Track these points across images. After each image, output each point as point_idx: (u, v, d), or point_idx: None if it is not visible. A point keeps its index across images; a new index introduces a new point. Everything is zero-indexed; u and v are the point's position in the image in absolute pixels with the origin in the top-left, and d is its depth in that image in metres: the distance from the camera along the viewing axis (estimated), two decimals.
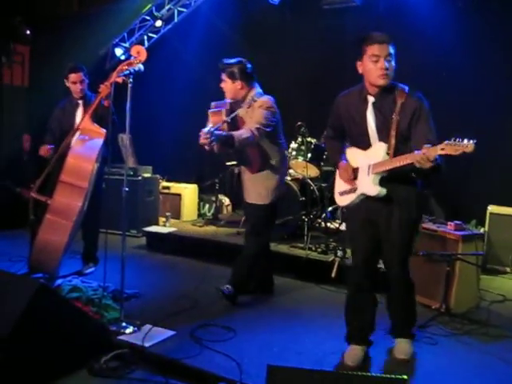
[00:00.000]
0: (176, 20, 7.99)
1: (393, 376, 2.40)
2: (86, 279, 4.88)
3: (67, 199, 4.44)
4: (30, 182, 4.73)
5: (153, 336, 3.75)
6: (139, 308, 4.31)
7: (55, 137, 5.11)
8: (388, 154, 3.20)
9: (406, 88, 3.27)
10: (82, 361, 3.37)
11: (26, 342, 3.06)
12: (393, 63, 3.21)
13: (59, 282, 4.65)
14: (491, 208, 5.86)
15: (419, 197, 3.41)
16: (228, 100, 4.59)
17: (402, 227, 3.33)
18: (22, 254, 4.99)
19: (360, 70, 3.30)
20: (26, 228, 4.77)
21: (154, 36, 8.20)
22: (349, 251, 5.37)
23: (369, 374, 2.93)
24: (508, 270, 5.73)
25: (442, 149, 2.82)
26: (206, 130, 3.98)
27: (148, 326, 3.90)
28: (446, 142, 2.81)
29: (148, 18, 7.97)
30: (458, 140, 2.79)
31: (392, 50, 3.19)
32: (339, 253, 5.24)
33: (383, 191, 3.25)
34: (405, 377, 2.37)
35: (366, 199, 3.36)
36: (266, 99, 4.44)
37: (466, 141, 2.78)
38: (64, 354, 3.27)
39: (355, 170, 3.41)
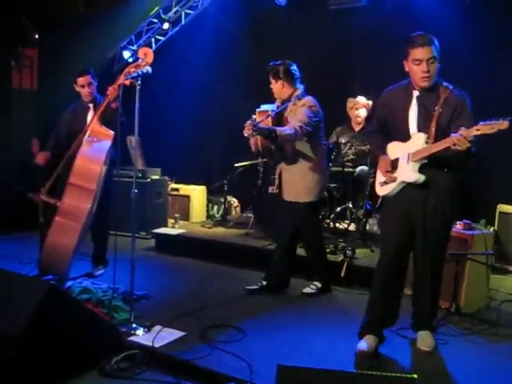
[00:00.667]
0: (183, 22, 8.01)
1: (403, 375, 2.40)
2: (96, 281, 4.90)
3: (76, 201, 4.46)
4: (39, 186, 4.76)
5: (163, 337, 3.77)
6: (149, 309, 4.33)
7: (59, 141, 5.15)
8: (427, 143, 3.32)
9: (451, 86, 3.41)
10: (92, 362, 3.39)
11: (37, 342, 3.08)
12: (436, 65, 3.36)
13: (69, 283, 4.67)
14: (501, 207, 5.83)
15: (454, 186, 3.50)
16: (276, 103, 4.82)
17: (437, 216, 3.44)
18: (32, 256, 5.01)
19: (406, 68, 3.48)
20: (35, 230, 4.81)
21: (162, 38, 8.22)
22: (358, 251, 5.42)
23: (379, 373, 2.92)
24: None
25: (478, 129, 2.95)
26: (249, 121, 4.10)
27: (158, 327, 3.92)
28: (481, 122, 2.96)
29: (155, 20, 7.99)
30: (492, 119, 2.93)
31: (434, 52, 3.33)
32: (348, 253, 5.24)
33: (422, 177, 3.37)
34: (415, 376, 2.37)
35: (406, 189, 3.48)
36: (309, 99, 4.67)
37: (500, 120, 2.92)
38: (75, 354, 3.29)
39: (395, 161, 3.53)
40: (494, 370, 3.48)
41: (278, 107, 4.74)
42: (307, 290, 4.93)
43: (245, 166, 7.03)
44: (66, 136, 5.14)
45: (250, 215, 6.76)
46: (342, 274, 5.05)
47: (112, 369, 3.34)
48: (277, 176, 4.89)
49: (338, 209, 6.42)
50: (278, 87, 4.69)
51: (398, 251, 3.57)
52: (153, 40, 8.19)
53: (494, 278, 5.12)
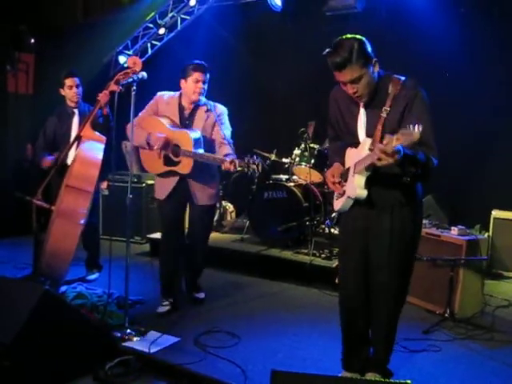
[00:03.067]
0: (179, 27, 8.02)
1: (397, 381, 2.40)
2: (90, 286, 4.90)
3: (74, 203, 4.48)
4: (34, 190, 4.76)
5: (157, 342, 3.76)
6: (144, 314, 4.33)
7: (48, 145, 5.14)
8: (371, 149, 2.78)
9: (402, 78, 2.91)
10: (86, 367, 3.37)
11: (31, 348, 3.07)
12: (365, 79, 2.81)
13: (64, 288, 4.67)
14: (495, 213, 5.85)
15: (415, 207, 3.01)
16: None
17: (393, 242, 2.94)
18: (27, 261, 5.00)
19: None
20: (30, 235, 4.79)
21: (158, 43, 8.23)
22: None
23: (373, 379, 2.93)
24: None
25: (398, 139, 2.43)
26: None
27: (152, 333, 3.92)
28: (401, 130, 2.44)
29: (151, 25, 8.00)
30: (409, 127, 2.38)
31: (353, 74, 2.79)
32: None
33: (363, 193, 2.87)
34: (408, 381, 2.37)
35: (356, 206, 2.99)
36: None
37: (415, 128, 2.36)
38: (68, 360, 3.28)
39: (347, 171, 3.04)
40: (488, 375, 3.48)
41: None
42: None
43: (240, 171, 7.02)
44: (53, 140, 5.14)
45: (246, 220, 6.76)
46: (337, 281, 5.03)
47: (106, 374, 3.33)
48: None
49: (334, 214, 6.43)
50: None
51: (359, 271, 3.10)
52: (149, 45, 8.20)
53: (489, 284, 5.14)
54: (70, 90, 5.08)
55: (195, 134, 4.36)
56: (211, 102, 4.55)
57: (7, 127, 7.91)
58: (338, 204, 3.11)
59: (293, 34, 7.50)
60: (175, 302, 4.61)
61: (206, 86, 4.49)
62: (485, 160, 6.25)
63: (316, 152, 6.25)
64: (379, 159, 2.57)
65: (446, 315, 4.39)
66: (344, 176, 3.05)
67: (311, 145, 6.23)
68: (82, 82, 5.17)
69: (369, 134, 2.93)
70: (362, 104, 2.96)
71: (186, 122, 4.50)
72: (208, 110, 4.52)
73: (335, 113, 3.15)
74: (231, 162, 4.09)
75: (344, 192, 3.04)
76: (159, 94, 4.57)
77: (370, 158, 2.71)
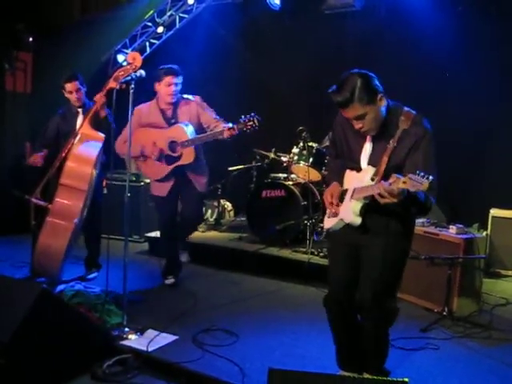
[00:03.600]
0: (178, 26, 8.00)
1: (394, 379, 2.40)
2: (88, 284, 4.89)
3: (67, 202, 4.47)
4: (32, 188, 4.75)
5: (155, 341, 3.76)
6: (142, 313, 4.32)
7: (47, 144, 5.13)
8: (373, 179, 2.85)
9: (414, 112, 2.89)
10: (84, 366, 3.38)
11: (28, 346, 3.07)
12: (372, 115, 2.79)
13: (62, 287, 4.66)
14: (494, 211, 5.85)
15: (409, 229, 3.07)
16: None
17: (380, 262, 2.95)
18: (25, 259, 5.00)
19: None
20: (28, 233, 4.79)
21: (156, 42, 8.21)
22: None
23: (370, 377, 2.93)
24: (510, 273, 5.72)
25: (404, 182, 2.48)
26: None
27: (150, 331, 3.92)
28: (409, 175, 2.48)
29: (150, 24, 7.98)
30: (420, 175, 2.44)
31: (362, 110, 2.76)
32: None
33: (357, 220, 2.91)
34: (406, 380, 2.37)
35: (348, 227, 3.00)
36: None
37: (425, 178, 2.43)
38: (66, 359, 3.28)
39: (344, 193, 3.07)
40: (486, 374, 3.48)
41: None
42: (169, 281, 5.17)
43: (238, 169, 7.03)
44: (54, 139, 5.13)
45: (244, 219, 6.76)
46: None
47: (104, 373, 3.34)
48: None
49: (323, 232, 6.42)
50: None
51: (346, 286, 3.13)
52: (147, 44, 8.18)
53: (487, 282, 5.13)
54: (71, 95, 5.07)
55: (185, 124, 4.76)
56: (185, 96, 4.91)
57: (5, 126, 7.90)
58: (330, 223, 3.14)
59: (291, 32, 7.49)
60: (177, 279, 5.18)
61: (179, 88, 4.80)
62: (483, 159, 6.25)
63: (314, 150, 6.24)
64: (382, 196, 2.62)
65: (444, 313, 4.40)
66: (341, 197, 3.07)
67: (310, 143, 6.23)
68: (83, 81, 5.15)
69: (371, 163, 2.94)
70: (368, 137, 2.95)
71: (171, 121, 4.83)
72: (186, 103, 4.87)
73: (340, 137, 3.15)
74: (229, 128, 4.55)
75: (337, 213, 3.05)
76: (136, 108, 4.72)
77: (371, 190, 2.75)
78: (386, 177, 2.78)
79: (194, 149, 4.73)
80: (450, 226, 4.71)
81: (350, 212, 2.94)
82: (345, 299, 3.12)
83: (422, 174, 2.44)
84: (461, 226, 4.69)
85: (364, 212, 2.91)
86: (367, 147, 2.97)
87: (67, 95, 5.09)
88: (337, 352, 3.32)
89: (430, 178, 2.42)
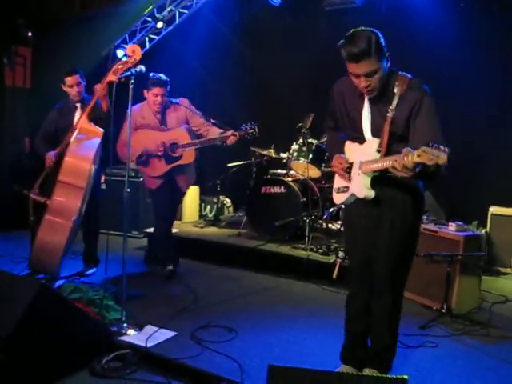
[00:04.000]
0: (177, 21, 7.98)
1: (393, 376, 2.40)
2: (87, 280, 4.89)
3: (66, 199, 4.44)
4: (32, 184, 4.74)
5: (154, 337, 3.76)
6: (140, 309, 4.31)
7: (47, 137, 5.12)
8: (379, 151, 2.82)
9: (409, 76, 2.84)
10: (83, 361, 3.37)
11: (27, 342, 3.06)
12: (378, 75, 2.74)
13: (60, 282, 4.66)
14: (493, 209, 5.86)
15: (416, 200, 2.99)
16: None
17: (394, 235, 2.93)
18: (24, 255, 4.99)
19: None
20: (28, 229, 4.78)
21: (156, 37, 8.20)
22: None
23: (369, 374, 2.93)
24: (510, 270, 5.73)
25: (419, 155, 2.42)
26: None
27: (149, 327, 3.91)
28: (422, 148, 2.41)
29: (149, 19, 7.96)
30: (434, 147, 2.38)
31: (373, 65, 2.70)
32: (340, 254, 5.25)
33: (371, 194, 2.89)
34: (405, 377, 2.37)
35: (359, 201, 3.00)
36: None
37: (441, 149, 2.37)
38: (65, 354, 3.27)
39: (350, 166, 3.04)
40: (485, 371, 3.48)
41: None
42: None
43: (238, 166, 7.03)
44: (53, 134, 5.11)
45: (243, 215, 6.76)
46: (334, 276, 5.06)
47: (102, 368, 3.32)
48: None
49: (331, 209, 6.44)
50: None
51: (364, 266, 3.11)
52: (147, 39, 8.17)
53: (486, 280, 5.14)
54: (71, 89, 5.05)
55: (185, 127, 5.07)
56: (173, 99, 5.16)
57: (4, 121, 7.88)
58: (340, 198, 3.13)
59: (291, 28, 7.48)
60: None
61: (163, 98, 5.04)
62: (483, 156, 6.25)
63: (314, 147, 6.24)
64: (396, 170, 2.57)
65: (443, 311, 4.39)
66: (347, 169, 3.04)
67: (309, 140, 6.23)
68: (83, 76, 5.14)
69: (374, 132, 2.90)
70: (366, 98, 2.91)
71: (161, 124, 5.11)
72: (175, 109, 5.14)
73: (340, 106, 3.09)
74: (233, 134, 4.91)
75: (346, 187, 3.05)
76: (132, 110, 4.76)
77: (381, 163, 2.73)
78: (390, 147, 2.80)
79: (194, 150, 5.00)
80: (450, 224, 4.71)
81: (361, 186, 2.91)
82: (365, 275, 3.10)
83: (436, 145, 2.37)
84: (460, 223, 4.69)
85: (373, 184, 2.89)
86: (366, 112, 2.93)
87: (67, 89, 5.07)
88: (344, 344, 3.31)
89: (447, 149, 2.36)
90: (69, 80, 5.02)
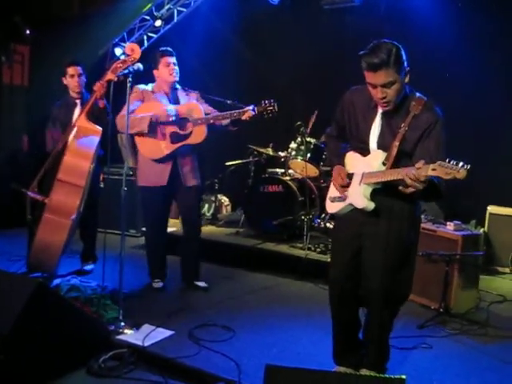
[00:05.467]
0: (176, 20, 7.97)
1: (391, 376, 2.39)
2: (84, 279, 4.88)
3: (65, 198, 4.43)
4: (30, 182, 4.72)
5: (151, 336, 3.75)
6: (138, 308, 4.31)
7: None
8: (384, 164, 2.85)
9: (425, 99, 2.87)
10: (80, 360, 3.37)
11: (25, 341, 3.05)
12: (397, 86, 2.76)
13: (58, 281, 4.65)
14: (491, 208, 5.86)
15: (414, 218, 3.02)
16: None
17: (389, 245, 2.92)
18: (21, 253, 4.97)
19: None
20: (25, 227, 4.77)
21: (154, 36, 8.18)
22: None
23: (367, 374, 2.93)
24: (508, 270, 5.73)
25: (434, 169, 2.47)
26: None
27: (146, 326, 3.91)
28: (438, 162, 2.47)
29: (148, 17, 7.95)
30: (452, 162, 2.44)
31: (391, 76, 2.72)
32: None
33: (371, 206, 2.90)
34: (403, 376, 2.36)
35: (355, 211, 3.00)
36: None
37: (460, 165, 2.44)
38: (62, 353, 3.26)
39: (350, 176, 3.06)
40: (482, 371, 3.48)
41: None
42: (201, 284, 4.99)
43: (236, 164, 7.02)
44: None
45: (241, 214, 6.75)
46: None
47: (100, 368, 3.32)
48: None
49: (323, 215, 6.43)
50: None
51: (347, 277, 3.10)
52: (145, 37, 8.15)
53: (484, 279, 5.14)
54: (72, 79, 5.03)
55: (197, 102, 4.73)
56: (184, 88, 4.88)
57: (2, 119, 7.86)
58: (336, 207, 3.13)
59: (290, 27, 7.47)
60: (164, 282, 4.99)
61: (177, 68, 4.73)
62: (481, 155, 6.23)
63: (312, 146, 6.23)
64: (409, 181, 2.57)
65: (441, 310, 4.39)
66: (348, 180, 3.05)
67: (308, 139, 6.22)
68: (85, 70, 5.13)
69: (380, 145, 2.93)
70: (379, 111, 2.93)
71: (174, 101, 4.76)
72: (186, 93, 4.85)
73: (349, 115, 3.09)
74: (252, 109, 4.57)
75: (341, 196, 3.06)
76: (137, 86, 4.69)
77: (390, 175, 2.74)
78: (396, 162, 2.81)
79: (206, 128, 4.59)
80: (448, 223, 4.71)
81: (360, 197, 2.92)
82: (347, 285, 3.10)
83: (454, 161, 2.43)
84: (458, 222, 4.69)
85: (373, 196, 2.90)
86: (376, 127, 2.94)
87: (68, 80, 5.05)
88: (334, 345, 3.32)
89: (467, 166, 2.41)
90: (71, 70, 5.01)
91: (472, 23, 6.11)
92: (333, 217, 6.49)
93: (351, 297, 3.14)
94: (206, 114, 4.66)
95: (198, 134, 4.58)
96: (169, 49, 4.76)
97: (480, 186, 6.25)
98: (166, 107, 4.59)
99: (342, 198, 3.05)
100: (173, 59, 4.71)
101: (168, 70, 4.67)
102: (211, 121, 4.58)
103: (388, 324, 3.11)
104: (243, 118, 4.55)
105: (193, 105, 4.67)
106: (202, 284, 4.95)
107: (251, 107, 4.59)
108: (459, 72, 6.06)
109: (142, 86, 4.72)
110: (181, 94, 4.83)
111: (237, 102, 4.85)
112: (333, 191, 3.19)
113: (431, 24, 6.19)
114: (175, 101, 4.76)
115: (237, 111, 4.59)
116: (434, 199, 2.77)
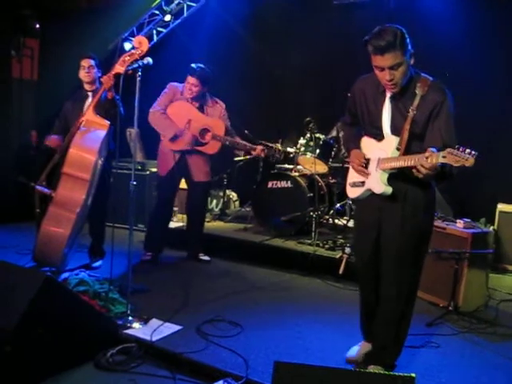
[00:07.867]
0: (185, 14, 7.96)
1: (401, 374, 2.38)
2: (92, 273, 4.89)
3: (70, 191, 4.43)
4: (38, 176, 4.73)
5: (159, 330, 3.75)
6: (146, 302, 4.30)
7: (63, 128, 5.09)
8: (398, 149, 2.92)
9: (431, 78, 2.94)
10: (88, 354, 3.37)
11: (32, 334, 3.06)
12: (403, 68, 2.82)
13: (66, 275, 4.65)
14: (501, 206, 5.82)
15: (428, 198, 3.06)
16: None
17: (405, 229, 2.98)
18: (30, 247, 4.97)
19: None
20: (33, 221, 4.78)
21: (163, 30, 8.18)
22: None
23: (376, 371, 2.91)
24: None
25: (444, 156, 2.56)
26: None
27: (154, 321, 3.90)
28: (448, 149, 2.56)
29: (157, 12, 7.94)
30: (460, 149, 2.53)
31: (398, 58, 2.78)
32: (347, 249, 5.21)
33: (389, 190, 2.98)
34: (413, 375, 2.35)
35: (373, 196, 3.09)
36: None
37: (467, 152, 2.52)
38: (70, 347, 3.27)
39: (367, 161, 3.13)
40: (491, 370, 3.46)
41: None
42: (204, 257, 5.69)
43: (244, 160, 7.00)
44: (65, 125, 5.09)
45: (249, 210, 6.74)
46: (341, 271, 5.03)
47: (107, 362, 3.32)
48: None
49: (338, 205, 6.42)
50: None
51: (371, 262, 3.19)
52: (154, 32, 8.15)
53: (493, 277, 5.11)
54: (82, 71, 5.04)
55: (223, 122, 5.36)
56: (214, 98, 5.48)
57: (12, 113, 7.88)
58: (355, 192, 3.22)
59: (300, 22, 7.44)
60: (156, 256, 5.56)
61: (196, 89, 5.26)
62: (490, 153, 6.19)
63: (321, 142, 6.21)
64: (421, 168, 2.67)
65: (450, 308, 4.37)
66: (365, 166, 3.13)
67: (317, 135, 6.20)
68: (99, 65, 5.13)
69: (393, 130, 2.99)
70: (388, 95, 3.00)
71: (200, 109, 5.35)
72: (214, 103, 5.43)
73: (360, 103, 3.16)
74: (262, 149, 5.45)
75: (362, 182, 3.14)
76: (172, 84, 5.34)
77: (404, 161, 2.83)
78: (409, 146, 2.90)
79: (220, 144, 5.29)
80: (457, 221, 4.68)
81: (378, 182, 3.01)
82: (372, 257, 3.18)
83: (463, 148, 2.51)
84: (468, 220, 4.66)
85: (389, 181, 2.99)
86: (386, 111, 3.01)
87: (80, 73, 5.04)
88: (360, 319, 3.44)
89: (474, 153, 2.50)
90: (83, 61, 5.02)
91: (483, 18, 6.07)
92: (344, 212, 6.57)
93: (375, 269, 3.18)
94: (226, 130, 5.35)
95: (213, 147, 5.32)
96: (195, 68, 5.24)
97: (490, 183, 6.23)
98: (189, 117, 5.27)
99: (362, 183, 3.14)
100: (194, 81, 5.21)
101: (187, 87, 5.27)
102: (227, 143, 5.30)
103: (405, 317, 3.18)
104: (253, 153, 5.48)
105: (219, 123, 5.33)
106: (205, 257, 5.65)
107: (261, 147, 5.47)
108: (470, 66, 6.01)
109: (175, 84, 5.31)
110: (208, 102, 5.40)
111: (251, 136, 5.71)
112: (352, 176, 3.26)
113: (441, 19, 6.15)
114: (201, 106, 5.35)
115: (249, 145, 5.45)
116: (446, 181, 2.86)
